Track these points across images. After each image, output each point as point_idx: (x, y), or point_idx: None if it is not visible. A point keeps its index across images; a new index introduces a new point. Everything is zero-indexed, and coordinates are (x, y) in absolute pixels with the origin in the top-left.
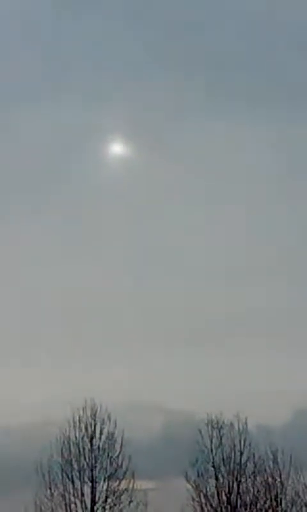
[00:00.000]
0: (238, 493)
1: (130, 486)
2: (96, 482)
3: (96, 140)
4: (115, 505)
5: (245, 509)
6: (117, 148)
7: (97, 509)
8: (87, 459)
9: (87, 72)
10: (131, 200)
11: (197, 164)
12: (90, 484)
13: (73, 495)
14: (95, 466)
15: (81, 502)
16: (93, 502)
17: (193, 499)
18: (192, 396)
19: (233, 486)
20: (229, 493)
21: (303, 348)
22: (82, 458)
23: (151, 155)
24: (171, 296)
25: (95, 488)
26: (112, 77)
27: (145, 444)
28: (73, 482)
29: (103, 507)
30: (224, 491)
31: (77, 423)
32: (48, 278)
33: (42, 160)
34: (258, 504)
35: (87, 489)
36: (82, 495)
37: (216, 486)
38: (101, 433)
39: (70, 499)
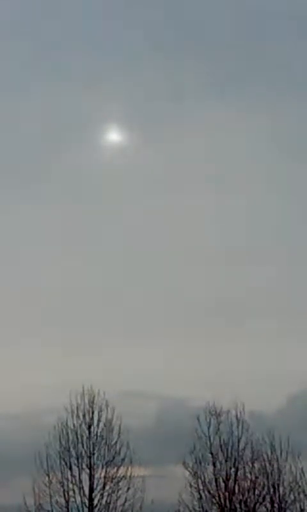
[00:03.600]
0: (236, 479)
1: (128, 472)
2: (94, 469)
3: (91, 128)
4: (113, 492)
5: (243, 495)
6: (113, 136)
7: (95, 495)
8: (85, 446)
9: (82, 58)
10: (128, 187)
11: (196, 151)
12: (88, 471)
13: (71, 482)
14: (93, 453)
15: (79, 488)
16: (91, 489)
17: (191, 485)
18: (187, 383)
19: (230, 473)
20: (227, 479)
21: (295, 333)
22: (80, 445)
23: (148, 142)
24: (167, 281)
25: (93, 474)
26: (108, 64)
27: (142, 431)
28: (71, 469)
29: (101, 494)
30: (222, 477)
31: (75, 410)
32: (47, 265)
33: (35, 149)
34: (256, 490)
35: (85, 476)
36: (80, 481)
37: (214, 473)
38: (99, 420)
39: (68, 486)
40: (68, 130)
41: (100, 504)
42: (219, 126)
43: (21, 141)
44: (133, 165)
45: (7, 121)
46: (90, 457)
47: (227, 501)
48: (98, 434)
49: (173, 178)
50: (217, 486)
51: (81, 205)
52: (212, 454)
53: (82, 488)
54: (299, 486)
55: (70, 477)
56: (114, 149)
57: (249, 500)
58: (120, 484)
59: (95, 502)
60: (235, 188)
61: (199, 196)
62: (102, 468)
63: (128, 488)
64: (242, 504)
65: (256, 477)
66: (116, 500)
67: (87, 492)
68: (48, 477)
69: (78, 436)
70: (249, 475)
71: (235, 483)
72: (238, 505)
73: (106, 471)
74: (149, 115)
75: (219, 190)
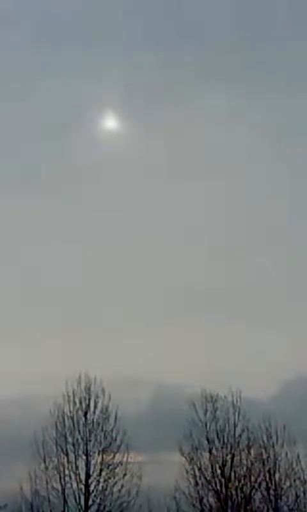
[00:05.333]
0: (232, 465)
1: (125, 459)
2: (90, 455)
3: (90, 116)
4: (109, 478)
5: (239, 482)
6: (111, 124)
7: (91, 482)
8: (81, 433)
9: (81, 48)
10: (128, 176)
11: (194, 140)
12: (84, 457)
13: (68, 468)
14: (89, 440)
15: (76, 475)
16: (88, 475)
17: (187, 472)
18: (183, 370)
19: (226, 459)
20: (223, 465)
21: (291, 321)
22: (77, 432)
23: (146, 131)
24: (166, 271)
25: (90, 461)
26: (107, 54)
27: (138, 418)
28: (67, 455)
29: (98, 480)
30: (218, 463)
31: (72, 397)
32: (45, 256)
33: (36, 137)
34: (252, 477)
35: (81, 463)
36: (77, 468)
37: (210, 459)
38: (95, 407)
39: (64, 472)
40: (67, 118)
41: (97, 490)
42: (217, 115)
43: (21, 128)
44: (131, 153)
45: (7, 110)
46: (86, 444)
47: (223, 487)
48: (95, 420)
49: (172, 166)
50: (213, 472)
51: (80, 193)
52: (208, 440)
53: (79, 474)
54: (295, 473)
55: (66, 463)
56: (113, 137)
57: (245, 486)
58: (116, 470)
59: (91, 488)
60: (233, 176)
61: (198, 184)
62: (98, 454)
63: (125, 474)
64: (238, 490)
65: (252, 464)
66: (112, 486)
67: (83, 478)
68: (45, 463)
69: (75, 423)
70: (245, 462)
71: (231, 469)
72: (234, 492)
73: (102, 457)
74: (148, 104)
75: (217, 178)
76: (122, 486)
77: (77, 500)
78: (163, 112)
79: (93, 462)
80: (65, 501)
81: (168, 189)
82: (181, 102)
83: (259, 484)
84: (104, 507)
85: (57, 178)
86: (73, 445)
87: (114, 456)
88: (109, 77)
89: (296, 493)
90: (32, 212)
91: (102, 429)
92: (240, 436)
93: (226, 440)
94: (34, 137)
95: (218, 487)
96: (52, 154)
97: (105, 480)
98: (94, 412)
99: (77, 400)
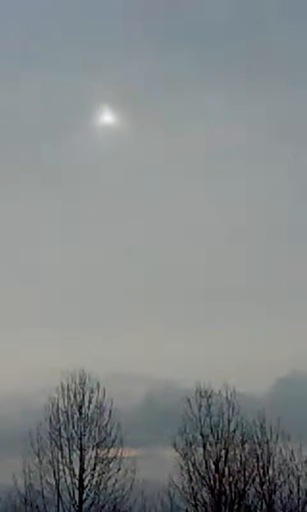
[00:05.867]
0: (226, 461)
1: (119, 453)
2: (84, 450)
3: (89, 112)
4: (103, 472)
5: (233, 477)
6: (109, 119)
7: (86, 476)
8: (75, 427)
9: (81, 44)
10: (126, 173)
11: (192, 136)
12: (79, 452)
13: (62, 463)
14: (84, 434)
15: (70, 469)
16: (82, 470)
17: (181, 467)
18: (177, 365)
19: (221, 454)
20: (217, 461)
21: (284, 317)
22: (71, 426)
23: (144, 127)
24: (159, 266)
25: (84, 455)
26: (106, 50)
27: (132, 413)
28: (61, 450)
29: (92, 475)
30: (212, 459)
31: (66, 391)
32: (45, 252)
33: (32, 131)
34: (246, 472)
35: (75, 457)
36: (71, 462)
37: (204, 454)
38: (90, 402)
39: (58, 467)
40: (65, 114)
41: (91, 485)
42: (215, 111)
43: (18, 124)
44: (129, 150)
45: (5, 107)
46: (81, 438)
47: (217, 482)
48: (89, 415)
49: (170, 163)
50: (207, 467)
51: (79, 191)
52: (202, 435)
53: (73, 468)
54: (289, 468)
55: (60, 457)
56: (111, 133)
57: (238, 481)
58: (111, 465)
59: (85, 482)
60: (231, 172)
61: (196, 182)
62: (93, 449)
63: (119, 469)
64: (232, 485)
65: (246, 459)
66: (107, 480)
67: (77, 473)
68: (39, 457)
69: (69, 417)
70: (239, 457)
71: (225, 465)
72: (228, 487)
73: (97, 452)
74: (147, 100)
75: (216, 175)
76: (116, 480)
77: (71, 495)
78: (162, 108)
79: (87, 457)
80: (59, 496)
81: (166, 187)
82: (181, 98)
83: (253, 480)
84: (98, 502)
85: (54, 174)
86: (68, 439)
87: (108, 451)
88: (107, 72)
89: (290, 489)
90: (31, 210)
91: (97, 424)
92: (234, 431)
93: (220, 436)
94: (30, 133)
95: (212, 482)
96: (49, 150)
97: (99, 475)
98: (88, 407)
99: (71, 395)
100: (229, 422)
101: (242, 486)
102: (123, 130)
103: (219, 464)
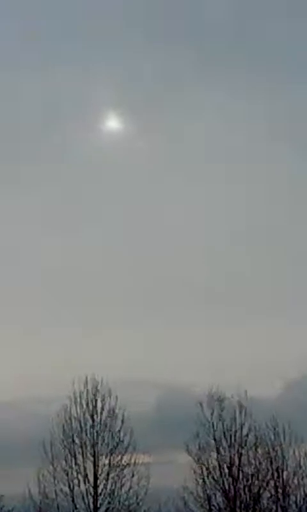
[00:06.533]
0: (240, 465)
1: (132, 460)
2: (98, 457)
3: (90, 113)
4: (117, 479)
5: (247, 481)
6: (112, 122)
7: (100, 483)
8: (89, 435)
9: (82, 45)
10: (128, 175)
11: (195, 136)
12: (92, 459)
13: (76, 470)
14: (97, 442)
15: (84, 477)
16: (96, 477)
17: (195, 472)
18: (188, 370)
19: (234, 458)
20: (231, 465)
21: (294, 319)
22: (84, 434)
23: (146, 129)
24: (167, 267)
25: (97, 462)
26: (105, 50)
27: (145, 419)
28: (75, 457)
29: (106, 482)
30: (226, 463)
31: (78, 399)
32: (46, 255)
33: (36, 134)
34: (260, 476)
35: (89, 464)
36: (85, 469)
37: (217, 459)
38: (102, 409)
39: (72, 474)
40: (67, 115)
41: (105, 492)
42: (217, 110)
43: (20, 126)
44: (132, 151)
45: (7, 112)
46: (94, 446)
47: (231, 487)
48: (102, 422)
49: (172, 164)
50: (221, 472)
51: (80, 192)
52: (215, 440)
53: (87, 476)
54: (303, 471)
55: (74, 465)
56: (113, 135)
57: (253, 485)
58: (124, 471)
59: (100, 489)
60: (231, 175)
61: (198, 182)
62: (106, 456)
63: (133, 475)
64: (246, 489)
65: (260, 463)
66: (121, 487)
67: (91, 480)
68: (53, 465)
69: (82, 425)
70: (252, 461)
71: (238, 469)
72: (242, 491)
73: (110, 459)
74: (149, 101)
75: (217, 176)
76: (130, 487)
77: (86, 502)
78: (162, 109)
79: (100, 464)
80: (74, 503)
81: (168, 188)
82: (181, 98)
83: (268, 483)
84: (113, 509)
85: (55, 176)
86: (81, 447)
87: (121, 457)
88: (108, 73)
89: (304, 491)
90: (32, 211)
91: (110, 431)
92: (247, 435)
93: (233, 440)
94: (31, 135)
95: (226, 486)
96: (50, 152)
97: (113, 482)
98: (101, 414)
99: (83, 402)
100: (242, 426)
101: (256, 490)
102: (123, 131)
103: (233, 468)
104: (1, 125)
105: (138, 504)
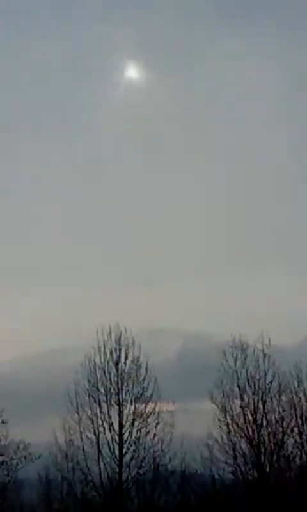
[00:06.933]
0: (264, 412)
1: (157, 408)
2: (123, 405)
3: (110, 63)
4: (142, 427)
5: (271, 428)
6: (131, 72)
7: (125, 431)
8: (113, 383)
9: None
10: (146, 124)
11: (212, 86)
12: (117, 407)
13: (101, 418)
14: (121, 390)
15: (109, 424)
16: (121, 425)
17: (219, 420)
18: (210, 319)
19: (258, 406)
20: (255, 412)
21: None
22: (108, 382)
23: (164, 78)
24: (185, 217)
25: (122, 411)
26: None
27: (168, 368)
28: (100, 405)
29: (131, 430)
30: (250, 410)
31: (102, 348)
32: (64, 212)
33: (56, 85)
34: (284, 422)
35: (114, 413)
36: (110, 418)
37: (241, 406)
38: (126, 358)
39: (97, 422)
40: (86, 65)
41: (130, 439)
42: (233, 60)
43: (40, 78)
44: (150, 101)
45: (26, 59)
46: (118, 394)
47: (255, 434)
48: (126, 371)
49: (190, 113)
50: (245, 419)
51: (100, 143)
52: (239, 387)
53: (112, 424)
54: None
55: (99, 413)
56: (132, 85)
57: (277, 432)
58: (149, 419)
59: (125, 437)
60: (253, 126)
61: (215, 132)
62: (131, 404)
63: (157, 423)
64: (270, 436)
65: (284, 410)
66: (145, 435)
67: (116, 428)
68: (78, 414)
69: (106, 374)
70: (276, 408)
71: (263, 416)
72: (266, 438)
73: (135, 407)
74: (167, 51)
75: (235, 127)
76: (155, 434)
77: (111, 450)
78: (182, 58)
79: (125, 412)
80: (99, 451)
81: (186, 139)
82: (201, 48)
83: (292, 430)
84: (138, 456)
85: (77, 126)
86: (106, 395)
87: (146, 406)
88: (127, 23)
89: None
90: (56, 160)
91: (134, 379)
92: (270, 382)
93: (257, 387)
94: (53, 82)
95: (250, 433)
96: (72, 99)
97: (138, 430)
98: (125, 363)
99: (107, 352)
100: (265, 373)
101: (281, 437)
102: (143, 81)
103: (257, 415)
104: (22, 82)
105: (163, 451)
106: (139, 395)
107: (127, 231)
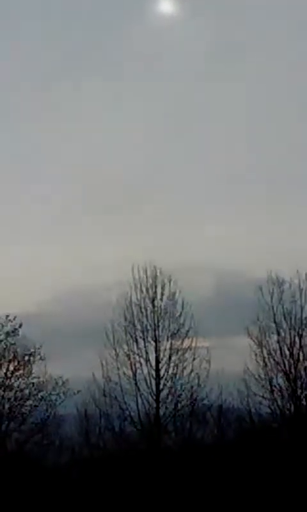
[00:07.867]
0: (301, 346)
1: (193, 344)
2: (159, 341)
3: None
4: (179, 362)
5: None
6: (165, 6)
7: (162, 366)
8: (149, 320)
9: None
10: (178, 59)
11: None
12: (153, 343)
13: (138, 354)
14: (158, 326)
15: (146, 360)
16: (157, 361)
17: (256, 355)
18: (246, 255)
19: (295, 340)
20: (292, 346)
21: None
22: (145, 319)
23: (197, 14)
24: (217, 158)
25: (159, 347)
26: None
27: (205, 304)
28: (137, 342)
29: (168, 365)
30: (287, 345)
31: (138, 285)
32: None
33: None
34: None
35: (151, 348)
36: (146, 353)
37: (278, 341)
38: (162, 294)
39: (134, 358)
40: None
41: (167, 375)
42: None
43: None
44: (183, 36)
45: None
46: (155, 330)
47: (292, 368)
48: (162, 307)
49: (222, 49)
50: (281, 353)
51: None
52: (275, 323)
53: (149, 359)
54: None
55: (136, 349)
56: (166, 20)
57: None
58: (185, 355)
59: (162, 372)
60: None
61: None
62: (167, 340)
63: (194, 359)
64: None
65: None
66: (182, 370)
67: (153, 363)
68: (115, 350)
69: (143, 310)
70: None
71: (299, 350)
72: (303, 372)
73: (171, 343)
74: None
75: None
76: (192, 370)
77: (148, 385)
78: None
79: (162, 348)
80: (137, 386)
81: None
82: None
83: None
84: (175, 391)
85: (115, 67)
86: (142, 331)
87: (182, 342)
88: None
89: None
90: (93, 95)
91: (170, 316)
92: None
93: (293, 322)
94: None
95: (287, 368)
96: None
97: (175, 365)
98: (161, 299)
99: (143, 288)
100: (302, 308)
101: None
102: (175, 16)
103: (294, 349)
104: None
105: (199, 386)
106: (175, 331)
107: None
